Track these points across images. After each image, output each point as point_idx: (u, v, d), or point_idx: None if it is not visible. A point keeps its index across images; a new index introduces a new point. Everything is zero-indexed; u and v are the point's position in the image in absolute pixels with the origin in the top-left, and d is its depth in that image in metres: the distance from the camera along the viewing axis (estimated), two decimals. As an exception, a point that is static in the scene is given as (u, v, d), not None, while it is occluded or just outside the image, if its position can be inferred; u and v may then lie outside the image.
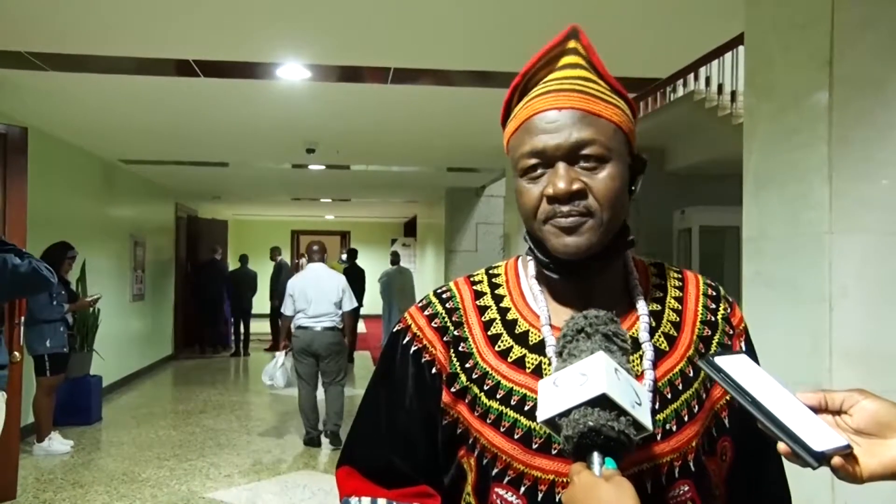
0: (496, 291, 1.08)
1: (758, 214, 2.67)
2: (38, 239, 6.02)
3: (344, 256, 12.32)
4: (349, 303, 6.28)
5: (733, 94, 5.63)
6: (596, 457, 0.81)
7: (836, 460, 0.77)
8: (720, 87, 5.79)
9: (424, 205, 14.45)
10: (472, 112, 5.92)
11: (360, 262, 12.32)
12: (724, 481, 1.02)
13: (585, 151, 0.94)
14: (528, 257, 1.07)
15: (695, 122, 6.16)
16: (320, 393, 6.36)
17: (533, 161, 0.95)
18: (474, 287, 1.09)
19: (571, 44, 1.00)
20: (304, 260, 12.36)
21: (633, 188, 1.01)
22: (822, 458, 0.77)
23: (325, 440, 6.24)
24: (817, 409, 0.83)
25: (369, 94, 5.34)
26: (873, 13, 2.30)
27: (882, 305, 2.29)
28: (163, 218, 11.49)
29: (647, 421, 0.82)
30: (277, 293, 13.00)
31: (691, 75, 5.71)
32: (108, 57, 4.45)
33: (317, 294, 6.16)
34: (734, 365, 0.86)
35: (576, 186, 0.93)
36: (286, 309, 6.30)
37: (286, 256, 18.53)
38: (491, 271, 1.12)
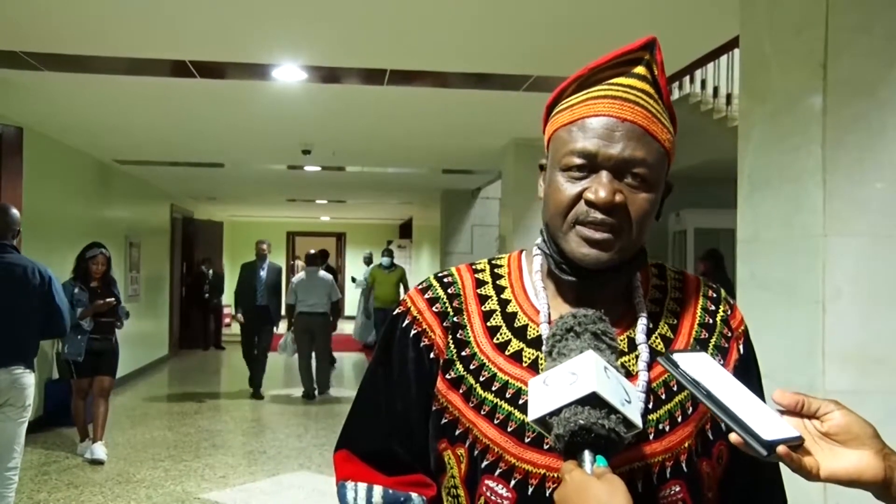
0: (498, 282, 1.08)
1: (752, 217, 2.68)
2: (33, 240, 6.00)
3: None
4: (335, 295, 8.86)
5: (728, 97, 5.64)
6: (587, 455, 0.81)
7: (782, 448, 0.79)
8: (716, 89, 5.81)
9: (420, 206, 14.44)
10: (467, 114, 5.93)
11: (357, 264, 12.45)
12: (718, 483, 1.03)
13: (635, 170, 0.93)
14: (535, 252, 1.07)
15: (690, 125, 6.17)
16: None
17: (579, 161, 0.94)
18: (476, 275, 1.09)
19: (646, 55, 0.99)
20: (299, 262, 12.82)
21: (659, 213, 1.01)
22: (771, 447, 0.79)
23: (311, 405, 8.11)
24: (792, 410, 0.86)
25: (365, 96, 5.35)
26: (868, 17, 2.31)
27: (875, 308, 2.30)
28: (158, 219, 11.47)
29: (636, 419, 0.83)
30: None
31: (687, 78, 5.73)
32: (104, 57, 4.44)
33: (315, 289, 8.56)
34: (692, 362, 0.88)
35: (618, 198, 0.93)
36: (290, 300, 8.69)
37: (281, 258, 18.61)
38: (494, 261, 1.12)
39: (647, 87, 0.97)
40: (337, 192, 12.68)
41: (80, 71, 4.77)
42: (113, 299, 5.76)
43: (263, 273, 8.95)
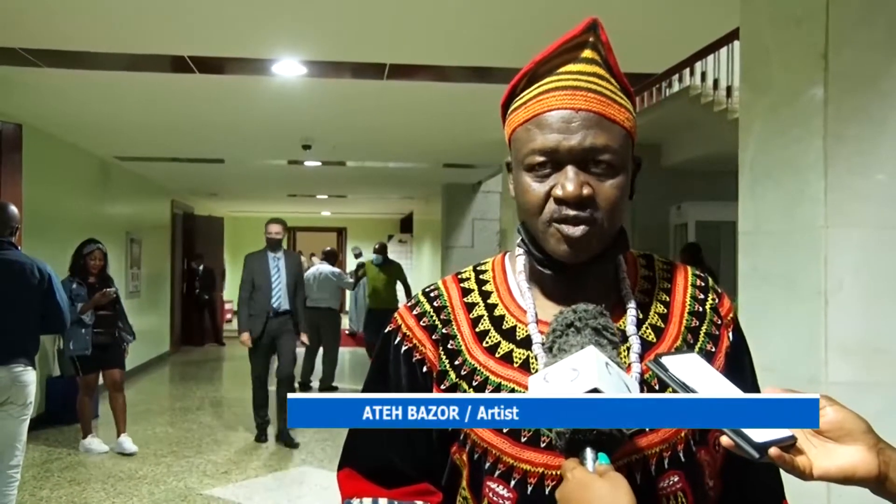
0: (483, 288, 1.08)
1: (754, 209, 2.67)
2: (33, 237, 6.00)
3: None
4: (340, 284, 9.06)
5: (729, 89, 5.62)
6: (589, 452, 0.81)
7: (773, 451, 0.79)
8: (716, 82, 5.79)
9: (421, 201, 14.43)
10: (468, 108, 5.91)
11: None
12: (719, 473, 1.02)
13: (599, 158, 0.93)
14: (518, 252, 1.07)
15: (691, 118, 6.16)
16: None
17: (541, 159, 0.94)
18: (462, 284, 1.10)
19: (590, 37, 0.99)
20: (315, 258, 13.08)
21: (632, 192, 1.01)
22: (763, 449, 0.78)
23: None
24: None
25: (365, 90, 5.33)
26: (869, 8, 2.30)
27: (877, 299, 2.30)
28: (159, 215, 11.47)
29: None
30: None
31: (687, 70, 5.71)
32: (103, 53, 4.43)
33: (321, 284, 8.67)
34: (681, 364, 0.88)
35: (586, 191, 0.93)
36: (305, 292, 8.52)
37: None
38: (478, 268, 1.13)
39: (598, 69, 0.97)
40: (338, 186, 12.68)
41: (78, 67, 4.76)
42: (113, 290, 5.80)
43: (280, 265, 6.39)
